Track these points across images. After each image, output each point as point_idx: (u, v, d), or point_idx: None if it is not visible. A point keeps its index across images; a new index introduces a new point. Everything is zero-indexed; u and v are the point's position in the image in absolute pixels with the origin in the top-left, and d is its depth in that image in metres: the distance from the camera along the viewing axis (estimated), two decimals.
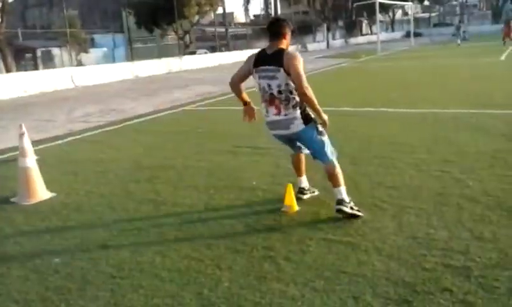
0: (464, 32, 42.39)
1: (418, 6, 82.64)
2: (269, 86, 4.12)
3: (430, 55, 27.94)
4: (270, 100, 4.16)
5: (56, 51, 35.20)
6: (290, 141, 4.44)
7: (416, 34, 57.24)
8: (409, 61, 24.93)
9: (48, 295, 3.19)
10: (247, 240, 3.77)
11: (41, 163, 5.60)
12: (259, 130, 8.08)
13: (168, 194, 5.09)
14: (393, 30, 77.17)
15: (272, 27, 4.20)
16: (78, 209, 4.87)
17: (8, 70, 23.74)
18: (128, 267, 3.49)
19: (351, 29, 66.94)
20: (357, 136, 7.33)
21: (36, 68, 32.19)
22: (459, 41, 36.69)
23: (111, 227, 4.30)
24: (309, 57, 35.88)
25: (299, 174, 4.67)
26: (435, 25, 76.69)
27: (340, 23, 65.95)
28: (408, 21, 59.19)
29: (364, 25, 75.37)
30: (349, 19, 66.68)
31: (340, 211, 4.03)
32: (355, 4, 54.97)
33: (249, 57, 4.36)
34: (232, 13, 58.54)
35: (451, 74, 16.40)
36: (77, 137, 9.14)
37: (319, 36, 60.73)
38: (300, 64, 4.01)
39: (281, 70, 4.01)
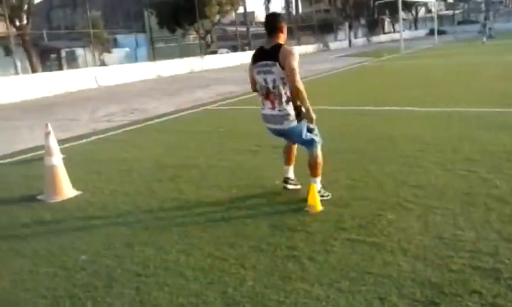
0: (490, 29, 41.67)
1: (442, 3, 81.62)
2: (265, 80, 4.26)
3: (454, 53, 27.56)
4: (266, 94, 4.32)
5: (79, 51, 35.71)
6: (282, 135, 4.58)
7: (440, 32, 56.57)
8: (433, 59, 24.62)
9: (76, 292, 3.24)
10: (270, 240, 3.77)
11: (66, 162, 5.68)
12: None
13: (191, 193, 5.11)
14: (416, 28, 76.38)
15: (268, 23, 4.31)
16: (103, 207, 4.93)
17: (33, 71, 24.19)
18: (153, 265, 3.52)
19: (373, 27, 66.44)
20: (380, 135, 7.26)
21: (60, 68, 32.72)
22: (484, 39, 36.08)
23: (136, 225, 4.34)
24: (330, 56, 35.76)
25: (288, 162, 4.82)
26: (459, 23, 75.50)
27: (362, 21, 65.50)
28: (432, 19, 58.55)
29: (386, 23, 74.78)
30: (371, 17, 66.16)
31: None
32: (377, 2, 54.59)
33: (252, 57, 4.52)
34: (252, 12, 58.53)
35: (476, 72, 16.13)
36: (101, 136, 9.25)
37: (341, 34, 60.39)
38: (295, 59, 4.11)
39: (277, 64, 4.13)
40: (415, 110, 9.31)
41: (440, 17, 73.50)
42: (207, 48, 36.91)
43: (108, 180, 5.95)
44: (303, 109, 4.27)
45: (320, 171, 4.47)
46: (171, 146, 7.72)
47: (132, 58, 37.91)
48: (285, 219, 4.17)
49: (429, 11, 77.59)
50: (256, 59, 4.38)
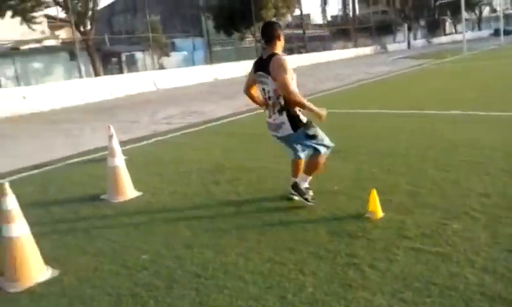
0: None
1: (508, 1, 78.09)
2: (263, 90, 4.42)
3: None
4: (266, 102, 4.47)
5: (139, 55, 36.78)
6: (285, 141, 4.61)
7: (507, 32, 54.12)
8: (499, 60, 23.59)
9: (138, 291, 3.32)
10: (330, 246, 3.71)
11: (128, 163, 5.83)
12: (338, 134, 8.00)
13: (249, 196, 5.13)
14: (479, 28, 73.50)
15: (265, 32, 4.38)
16: (163, 208, 5.04)
17: (96, 74, 25.15)
18: (213, 267, 3.55)
19: (434, 28, 64.57)
20: (441, 139, 7.02)
21: (121, 71, 33.79)
22: None
23: (195, 227, 4.40)
24: (388, 58, 35.01)
25: (294, 175, 4.78)
26: None
27: (422, 22, 63.74)
28: (497, 18, 56.11)
29: (448, 24, 72.39)
30: (432, 18, 64.32)
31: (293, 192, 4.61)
32: (438, 3, 52.93)
33: (253, 65, 4.59)
34: (308, 15, 58.24)
35: None
36: (161, 138, 9.47)
37: (400, 36, 59.07)
38: (284, 71, 4.16)
39: (269, 77, 4.24)
40: (479, 114, 8.94)
41: (506, 16, 70.37)
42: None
43: (168, 181, 6.07)
44: (301, 117, 4.33)
45: (313, 172, 4.57)
46: (229, 148, 7.79)
47: (190, 61, 38.64)
48: (344, 225, 4.10)
49: (493, 10, 74.51)
50: (255, 68, 4.49)
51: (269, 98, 4.39)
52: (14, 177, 6.85)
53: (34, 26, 24.47)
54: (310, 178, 4.63)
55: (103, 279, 3.55)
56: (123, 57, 37.12)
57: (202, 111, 13.25)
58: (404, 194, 4.67)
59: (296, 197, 4.72)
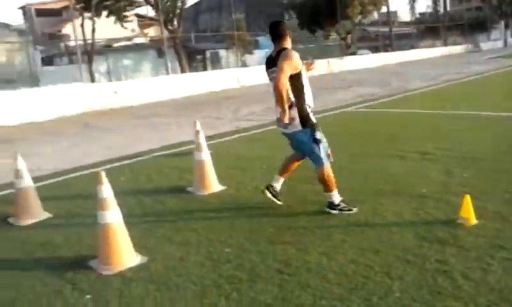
0: None
1: None
2: (274, 86, 4.32)
3: None
4: (275, 99, 4.36)
5: (222, 53, 37.54)
6: (292, 141, 4.63)
7: None
8: None
9: (221, 283, 3.38)
10: (418, 251, 3.57)
11: (212, 157, 5.95)
12: (427, 135, 7.73)
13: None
14: None
15: (272, 30, 4.41)
16: (246, 203, 5.10)
17: (182, 71, 25.98)
18: (295, 265, 3.54)
19: None
20: None
21: (205, 69, 34.68)
22: None
23: (278, 223, 4.41)
24: (481, 57, 33.16)
25: (281, 173, 4.81)
26: None
27: None
28: None
29: None
30: None
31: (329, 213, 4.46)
32: None
33: (265, 63, 4.63)
34: (395, 12, 56.46)
35: None
36: (243, 134, 9.60)
37: (495, 33, 55.67)
38: (289, 60, 4.18)
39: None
40: None
41: None
42: (346, 49, 36.48)
43: (251, 177, 6.14)
44: (311, 117, 4.37)
45: (333, 185, 4.50)
46: None
47: None
48: (434, 230, 3.93)
49: None
50: (267, 66, 4.53)
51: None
52: (107, 166, 7.21)
53: (125, 25, 25.71)
54: (335, 191, 4.53)
55: (188, 268, 3.65)
56: (208, 55, 38.06)
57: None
58: (500, 201, 4.40)
59: (269, 195, 4.76)
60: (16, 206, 5.13)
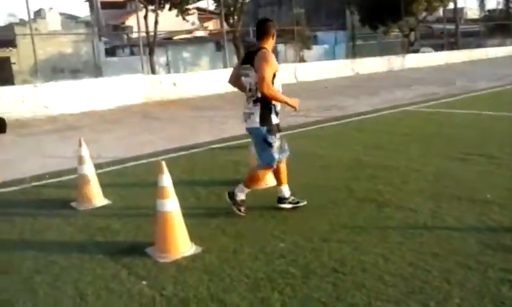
0: None
1: None
2: (246, 82, 4.45)
3: None
4: (246, 94, 4.51)
5: (280, 47, 37.46)
6: (252, 135, 4.62)
7: None
8: None
9: (275, 277, 3.37)
10: (480, 258, 3.42)
11: None
12: (492, 137, 7.39)
13: (390, 196, 4.94)
14: None
15: (257, 27, 4.45)
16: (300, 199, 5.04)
17: None
18: (351, 264, 3.48)
19: None
20: None
21: None
22: None
23: (333, 221, 4.34)
24: None
25: (278, 183, 4.81)
26: None
27: None
28: None
29: None
30: None
31: (281, 207, 4.61)
32: None
33: (241, 57, 4.77)
34: (462, 9, 54.27)
35: None
36: (298, 130, 9.52)
37: None
38: (267, 65, 4.20)
39: (253, 69, 4.29)
40: None
41: None
42: (409, 47, 35.45)
43: (305, 173, 6.08)
44: (273, 121, 4.43)
45: (253, 185, 4.69)
46: (370, 145, 7.57)
47: (330, 55, 38.40)
48: (498, 237, 3.75)
49: None
50: (242, 61, 4.59)
51: (250, 89, 4.43)
52: (164, 157, 7.36)
53: (186, 18, 26.10)
54: (248, 191, 4.63)
55: (241, 261, 3.67)
56: None
57: (342, 106, 13.08)
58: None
59: (283, 206, 4.73)
60: (78, 192, 5.33)
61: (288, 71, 22.86)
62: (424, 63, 30.17)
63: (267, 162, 4.55)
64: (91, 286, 3.42)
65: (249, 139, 5.84)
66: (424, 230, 4.01)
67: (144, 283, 3.41)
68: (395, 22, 35.10)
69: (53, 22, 29.88)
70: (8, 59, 27.81)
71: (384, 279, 3.23)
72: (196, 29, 38.33)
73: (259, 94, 4.36)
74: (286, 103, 4.43)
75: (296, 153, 7.30)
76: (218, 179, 6.08)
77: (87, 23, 32.91)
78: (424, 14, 36.55)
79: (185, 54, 34.53)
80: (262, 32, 4.45)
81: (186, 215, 4.02)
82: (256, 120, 4.43)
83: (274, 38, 4.49)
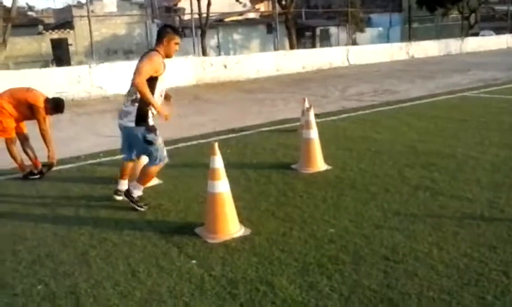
0: None
1: None
2: (131, 79, 4.38)
3: None
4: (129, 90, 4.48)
5: (333, 30, 36.89)
6: (124, 134, 4.58)
7: None
8: None
9: (324, 262, 3.33)
10: None
11: (318, 136, 5.87)
12: None
13: (445, 184, 4.78)
14: None
15: (158, 32, 4.52)
16: (352, 185, 4.97)
17: (291, 47, 25.91)
18: (402, 252, 3.39)
19: None
20: None
21: (313, 46, 34.33)
22: None
23: (385, 208, 4.25)
24: None
25: (121, 177, 4.83)
26: None
27: None
28: None
29: None
30: None
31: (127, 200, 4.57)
32: None
33: None
34: None
35: None
36: (351, 114, 9.37)
37: None
38: (149, 62, 4.29)
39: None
40: None
41: None
42: (468, 30, 33.99)
43: (358, 158, 5.98)
44: (149, 120, 4.42)
45: (147, 182, 4.69)
46: (424, 131, 7.34)
47: (384, 38, 37.47)
48: None
49: None
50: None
51: (132, 85, 4.36)
52: (214, 138, 7.42)
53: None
54: (143, 187, 4.62)
55: (291, 244, 3.65)
56: (317, 32, 37.59)
57: (395, 90, 12.76)
58: None
59: (118, 198, 4.78)
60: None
61: (340, 54, 22.50)
62: (484, 47, 28.96)
63: (155, 160, 4.54)
64: (142, 263, 3.50)
65: (299, 123, 5.80)
66: (481, 221, 3.85)
67: (193, 262, 3.46)
68: (454, 3, 33.69)
69: (109, 4, 30.59)
70: (65, 40, 28.75)
71: (437, 269, 3.14)
72: (248, 11, 38.29)
73: (138, 95, 4.34)
74: (153, 106, 4.35)
75: (350, 137, 7.22)
76: (267, 162, 6.08)
77: (141, 6, 33.47)
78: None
79: (236, 36, 34.62)
80: (157, 36, 4.51)
81: (235, 197, 4.03)
82: (132, 119, 4.42)
83: (170, 43, 4.45)
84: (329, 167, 5.58)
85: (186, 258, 3.52)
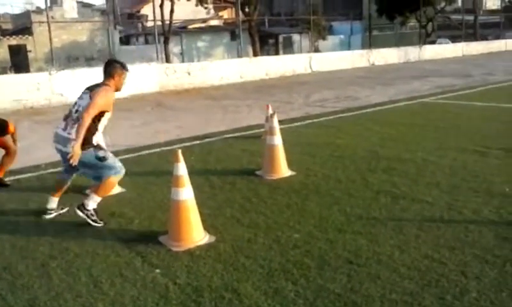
0: None
1: None
2: (75, 104, 4.45)
3: None
4: (66, 115, 4.46)
5: (295, 37, 37.25)
6: (68, 160, 4.29)
7: None
8: None
9: (289, 267, 3.35)
10: (498, 252, 3.38)
11: (282, 142, 5.90)
12: (511, 131, 7.28)
13: (406, 188, 4.89)
14: None
15: (105, 68, 4.55)
16: (316, 190, 5.02)
17: (255, 54, 26.02)
18: (366, 256, 3.45)
19: None
20: None
21: (277, 53, 34.57)
22: None
23: (348, 213, 4.31)
24: None
25: (55, 194, 4.71)
26: None
27: None
28: None
29: None
30: None
31: (78, 212, 4.34)
32: None
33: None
34: None
35: None
36: (314, 120, 9.48)
37: None
38: (103, 98, 4.32)
39: (89, 95, 4.35)
40: None
41: None
42: (426, 38, 34.96)
43: (321, 164, 6.05)
44: (92, 142, 4.33)
45: (103, 194, 4.44)
46: (385, 137, 7.50)
47: (346, 45, 38.10)
48: None
49: None
50: (86, 88, 4.54)
51: (76, 111, 4.38)
52: (178, 145, 7.36)
53: (200, 7, 26.03)
54: (100, 199, 4.45)
55: (256, 251, 3.65)
56: (280, 39, 37.89)
57: (357, 97, 12.98)
58: None
59: (48, 217, 4.64)
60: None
61: (303, 62, 22.73)
62: (441, 55, 29.81)
63: (113, 171, 4.41)
64: (104, 273, 3.43)
65: (263, 129, 5.83)
66: (441, 223, 3.96)
67: (158, 271, 3.42)
68: (412, 12, 34.62)
69: (69, 10, 30.01)
70: (24, 46, 28.00)
71: (399, 271, 3.20)
72: (211, 18, 38.23)
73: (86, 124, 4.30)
74: (77, 141, 4.16)
75: (313, 143, 7.29)
76: (232, 169, 6.07)
77: (103, 12, 32.98)
78: (443, 4, 36.03)
79: (200, 43, 34.50)
80: (106, 72, 4.52)
81: (200, 204, 4.01)
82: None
83: (120, 78, 4.53)
84: (293, 173, 5.62)
85: (150, 267, 3.48)
